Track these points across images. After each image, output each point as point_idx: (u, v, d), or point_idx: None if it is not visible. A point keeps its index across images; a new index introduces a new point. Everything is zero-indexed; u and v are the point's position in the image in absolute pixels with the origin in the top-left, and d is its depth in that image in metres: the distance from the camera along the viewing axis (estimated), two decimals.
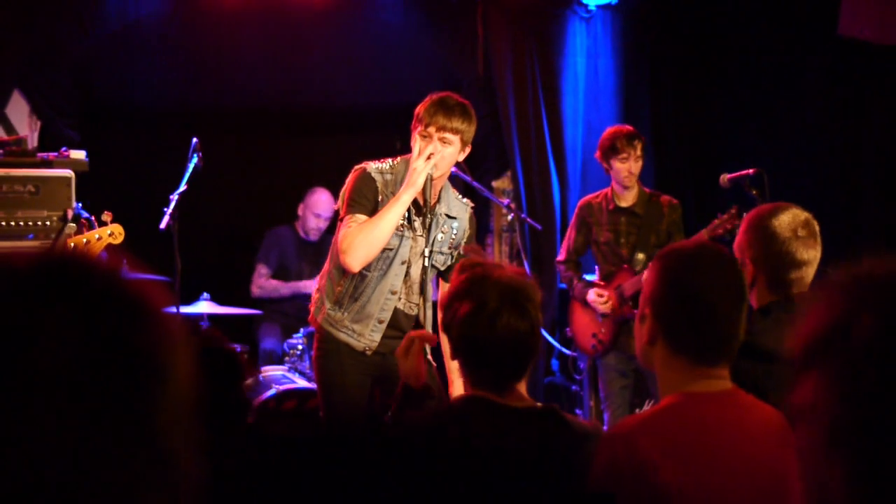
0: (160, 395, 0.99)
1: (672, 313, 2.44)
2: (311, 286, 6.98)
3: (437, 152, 4.34)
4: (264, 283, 7.23)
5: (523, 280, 2.66)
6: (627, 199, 6.12)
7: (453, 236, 4.60)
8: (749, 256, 3.18)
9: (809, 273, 3.15)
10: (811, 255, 3.14)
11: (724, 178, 5.85)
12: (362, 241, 4.30)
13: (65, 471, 0.93)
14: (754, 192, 5.70)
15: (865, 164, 6.93)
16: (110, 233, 5.07)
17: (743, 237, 3.22)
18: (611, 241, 6.12)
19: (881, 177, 6.84)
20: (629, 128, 6.14)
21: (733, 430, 2.40)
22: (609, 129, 6.18)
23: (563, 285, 6.84)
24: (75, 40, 6.88)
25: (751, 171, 5.72)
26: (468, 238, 4.68)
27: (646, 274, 2.54)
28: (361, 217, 4.36)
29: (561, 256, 6.35)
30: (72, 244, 4.98)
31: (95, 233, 5.06)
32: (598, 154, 6.15)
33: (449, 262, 4.61)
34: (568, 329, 6.48)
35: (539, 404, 2.68)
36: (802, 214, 3.19)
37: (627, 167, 6.01)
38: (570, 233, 6.29)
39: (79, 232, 5.15)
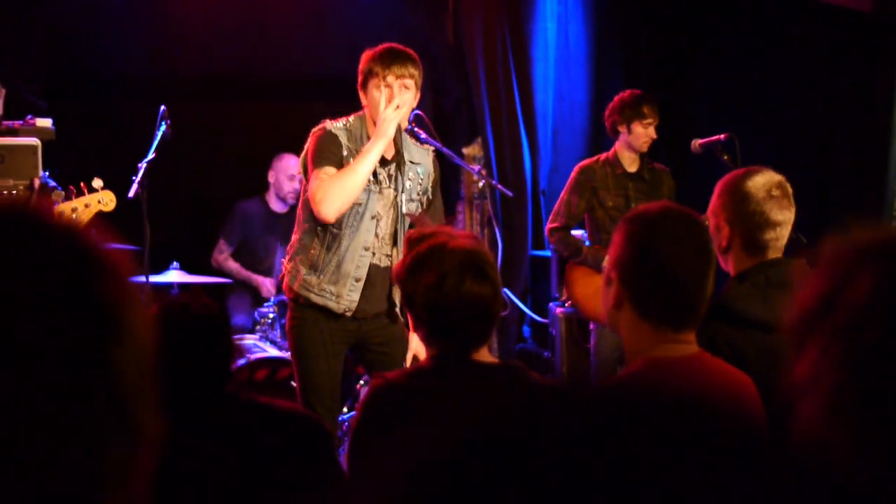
0: (120, 348, 0.98)
1: (638, 277, 2.43)
2: (264, 284, 6.94)
3: (403, 99, 4.37)
4: (223, 261, 7.17)
5: (479, 245, 2.70)
6: (634, 165, 6.09)
7: (420, 181, 4.61)
8: (724, 219, 3.15)
9: (784, 234, 3.14)
10: (785, 216, 3.13)
11: (696, 143, 5.86)
12: (337, 189, 4.31)
13: (23, 426, 0.92)
14: (725, 157, 5.71)
15: (838, 130, 6.95)
16: (100, 200, 4.91)
17: (717, 201, 3.20)
18: (621, 206, 5.99)
19: (854, 142, 6.86)
20: (647, 92, 6.11)
21: (696, 393, 2.40)
22: (627, 93, 6.10)
23: (550, 253, 6.83)
24: (42, 6, 6.78)
25: (722, 136, 5.73)
26: (434, 181, 4.71)
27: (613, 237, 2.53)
28: (331, 169, 4.37)
29: (557, 223, 6.14)
30: (58, 212, 4.81)
31: (84, 199, 4.91)
32: (614, 117, 6.06)
33: (420, 210, 4.62)
34: (566, 298, 6.38)
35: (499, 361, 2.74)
36: (776, 176, 3.18)
37: (649, 132, 5.99)
38: (570, 198, 6.11)
39: (67, 199, 5.00)
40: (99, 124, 7.44)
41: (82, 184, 4.93)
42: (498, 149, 7.34)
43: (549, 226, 6.21)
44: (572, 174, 6.17)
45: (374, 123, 4.42)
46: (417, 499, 0.80)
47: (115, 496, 0.96)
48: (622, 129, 6.02)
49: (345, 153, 4.43)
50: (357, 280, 4.55)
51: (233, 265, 7.15)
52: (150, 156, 5.22)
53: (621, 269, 2.45)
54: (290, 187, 7.18)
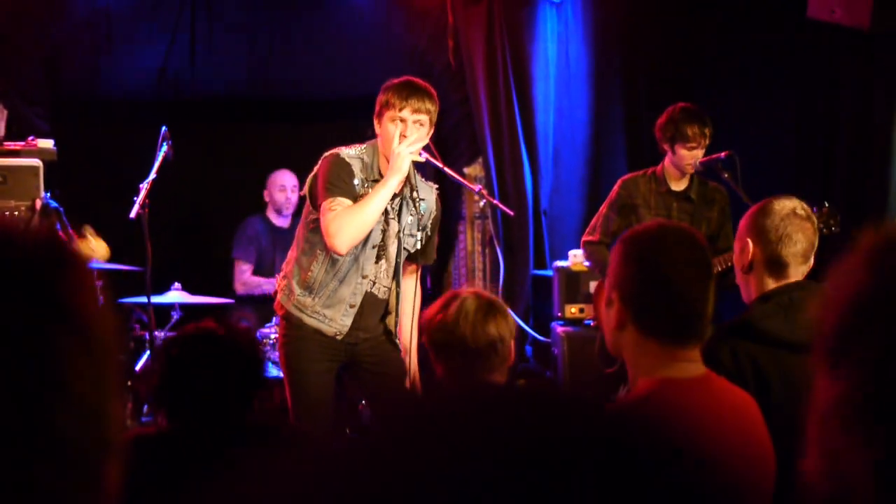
0: (65, 415, 0.92)
1: (640, 295, 2.41)
2: None
3: (416, 136, 4.38)
4: (248, 279, 7.18)
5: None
6: (681, 183, 5.75)
7: (421, 216, 4.62)
8: (747, 237, 3.24)
9: (804, 252, 3.20)
10: (807, 236, 3.20)
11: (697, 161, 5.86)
12: (350, 223, 4.31)
13: None
14: (726, 175, 5.71)
15: (837, 146, 6.96)
16: (92, 248, 4.95)
17: (742, 223, 3.30)
18: None
19: (853, 159, 6.88)
20: (697, 110, 5.64)
21: (708, 417, 2.39)
22: (677, 107, 5.66)
23: (552, 272, 6.82)
24: (44, 27, 6.81)
25: (722, 154, 5.72)
26: (434, 219, 4.72)
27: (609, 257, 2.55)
28: (344, 200, 4.36)
29: (592, 236, 5.84)
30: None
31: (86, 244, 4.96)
32: (659, 134, 5.70)
33: (418, 245, 4.62)
34: (593, 318, 6.31)
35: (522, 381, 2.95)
36: (802, 203, 3.28)
37: (694, 155, 5.61)
38: (609, 213, 5.81)
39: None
40: (100, 145, 7.46)
41: (71, 230, 4.95)
42: (499, 168, 7.35)
43: (583, 238, 5.94)
44: (615, 187, 5.89)
45: (386, 156, 4.44)
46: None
47: None
48: (666, 147, 5.69)
49: (356, 182, 4.43)
50: (351, 306, 4.56)
51: (259, 278, 7.16)
52: (152, 176, 5.22)
53: (622, 287, 2.44)
54: (282, 198, 7.24)
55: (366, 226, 4.36)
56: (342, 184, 4.40)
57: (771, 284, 3.19)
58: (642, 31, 7.52)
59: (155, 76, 7.51)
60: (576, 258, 6.60)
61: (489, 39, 7.33)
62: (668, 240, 2.45)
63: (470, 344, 3.02)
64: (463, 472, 0.78)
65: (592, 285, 6.44)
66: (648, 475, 0.85)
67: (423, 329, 3.15)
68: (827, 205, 5.40)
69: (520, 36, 7.36)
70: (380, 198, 4.34)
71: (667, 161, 5.75)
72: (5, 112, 6.53)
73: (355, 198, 4.40)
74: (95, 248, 4.88)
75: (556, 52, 7.49)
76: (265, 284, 7.13)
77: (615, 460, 0.82)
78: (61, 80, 7.22)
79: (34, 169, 5.45)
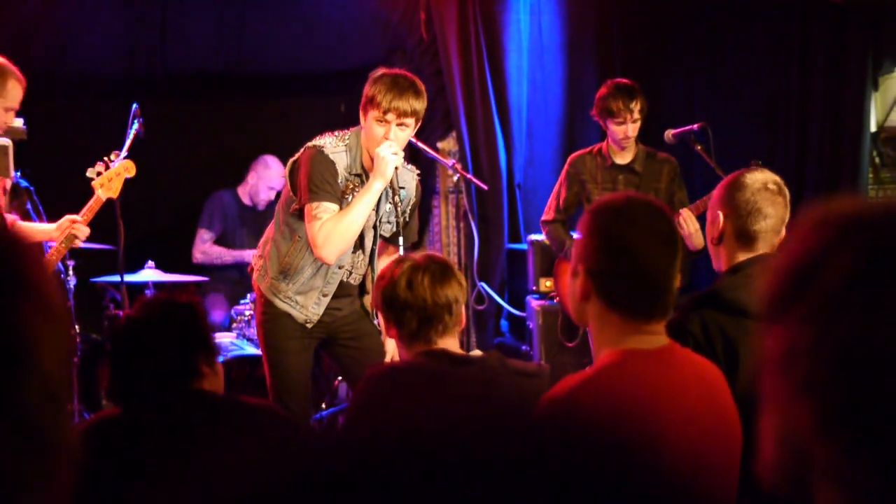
0: (28, 373, 0.93)
1: (605, 268, 2.41)
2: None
3: (397, 140, 4.28)
4: (208, 248, 7.17)
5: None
6: (625, 156, 5.78)
7: (399, 203, 4.59)
8: (718, 209, 3.27)
9: (775, 229, 3.23)
10: (777, 210, 3.22)
11: (669, 133, 5.86)
12: (336, 233, 4.27)
13: None
14: (699, 147, 5.72)
15: (811, 119, 6.98)
16: (126, 168, 5.03)
17: (715, 194, 3.33)
18: None
19: (827, 131, 6.90)
20: (628, 85, 5.68)
21: (671, 387, 2.40)
22: (607, 85, 5.72)
23: (526, 246, 6.82)
24: (12, 4, 6.75)
25: (695, 126, 5.73)
26: (413, 205, 4.68)
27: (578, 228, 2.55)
28: (330, 205, 4.30)
29: (548, 216, 5.96)
30: (100, 184, 4.93)
31: (115, 170, 4.99)
32: (594, 111, 5.75)
33: (394, 230, 4.59)
34: (554, 294, 6.35)
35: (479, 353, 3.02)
36: (775, 176, 3.30)
37: (624, 130, 5.64)
38: (560, 190, 5.91)
39: (99, 172, 5.03)
40: (72, 123, 7.40)
41: (106, 158, 5.00)
42: (473, 142, 7.34)
43: (542, 218, 6.04)
44: (565, 165, 5.97)
45: (369, 150, 4.35)
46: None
47: None
48: (602, 123, 5.77)
49: (340, 180, 4.37)
50: (324, 295, 4.56)
51: (219, 249, 7.14)
52: (123, 154, 5.20)
53: (587, 259, 2.43)
54: (266, 196, 7.20)
55: (352, 234, 4.32)
56: (327, 186, 4.32)
57: (741, 257, 3.22)
58: (615, 2, 7.51)
59: (125, 53, 7.46)
60: None
61: (461, 12, 7.29)
62: (633, 212, 2.44)
63: (428, 305, 3.00)
64: (419, 453, 0.79)
65: None
66: (606, 447, 0.86)
67: (377, 292, 3.11)
68: (759, 162, 5.32)
69: (492, 7, 7.33)
70: (364, 204, 4.29)
71: (609, 136, 5.80)
72: None
73: (340, 199, 4.35)
74: (130, 168, 5.01)
75: (529, 24, 7.46)
76: (225, 255, 7.11)
77: (572, 431, 0.83)
78: (31, 58, 7.14)
79: (4, 149, 5.38)
